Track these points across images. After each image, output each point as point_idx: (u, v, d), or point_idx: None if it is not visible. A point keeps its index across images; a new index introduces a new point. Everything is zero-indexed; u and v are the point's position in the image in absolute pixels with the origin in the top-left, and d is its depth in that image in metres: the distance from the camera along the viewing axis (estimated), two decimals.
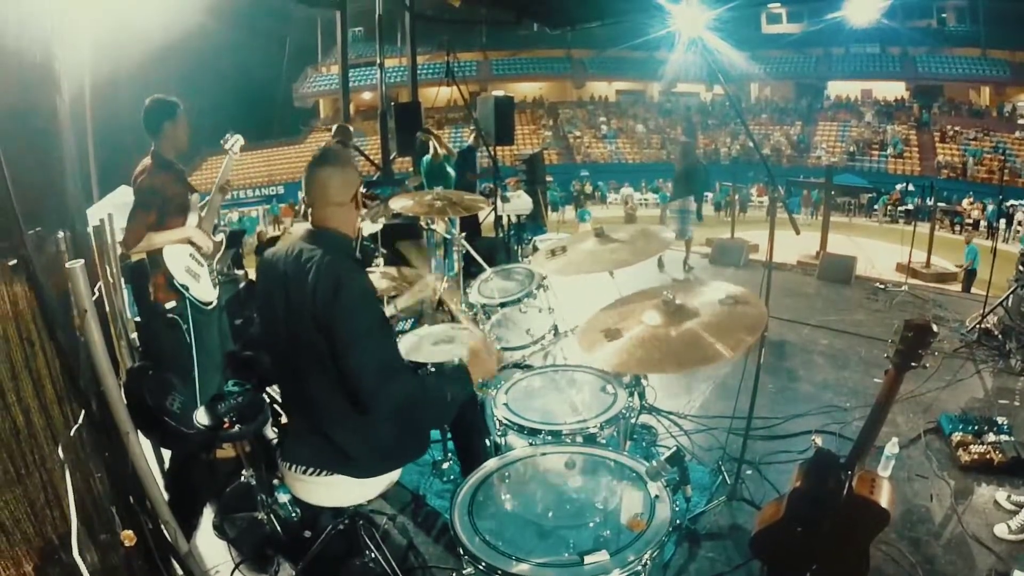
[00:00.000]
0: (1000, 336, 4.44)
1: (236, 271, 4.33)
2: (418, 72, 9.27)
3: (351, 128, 5.55)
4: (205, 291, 2.89)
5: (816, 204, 18.62)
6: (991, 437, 3.01)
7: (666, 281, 6.57)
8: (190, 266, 2.83)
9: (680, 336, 1.86)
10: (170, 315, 2.86)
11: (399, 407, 1.75)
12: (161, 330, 2.91)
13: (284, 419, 2.75)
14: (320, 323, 1.72)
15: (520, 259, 5.74)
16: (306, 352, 1.79)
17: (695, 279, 6.65)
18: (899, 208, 19.35)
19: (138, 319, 3.52)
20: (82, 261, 1.87)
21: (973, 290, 8.60)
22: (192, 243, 2.85)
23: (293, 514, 2.57)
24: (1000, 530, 2.47)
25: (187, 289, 2.77)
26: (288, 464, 1.93)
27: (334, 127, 5.60)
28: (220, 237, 3.08)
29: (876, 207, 20.38)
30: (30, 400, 1.55)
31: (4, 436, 1.44)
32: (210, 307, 2.91)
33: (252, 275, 4.29)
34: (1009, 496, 2.65)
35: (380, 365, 1.71)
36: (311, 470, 1.90)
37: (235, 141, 3.11)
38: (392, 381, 1.72)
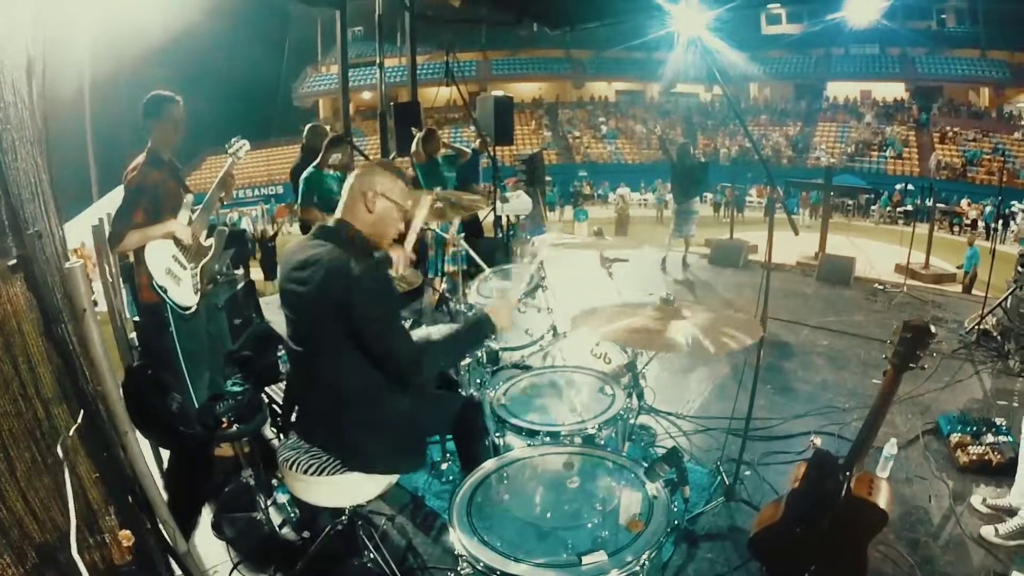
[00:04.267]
0: (999, 337, 4.44)
1: (235, 271, 4.32)
2: (418, 72, 9.24)
3: (321, 128, 5.35)
4: (185, 295, 2.81)
5: (815, 205, 18.64)
6: (989, 438, 3.01)
7: (668, 282, 6.57)
8: (171, 267, 2.76)
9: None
10: (166, 315, 2.84)
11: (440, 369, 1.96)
12: (157, 329, 2.89)
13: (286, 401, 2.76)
14: (338, 317, 1.78)
15: (520, 259, 5.74)
16: (322, 339, 1.86)
17: (692, 279, 6.68)
18: (898, 209, 19.38)
19: (137, 319, 3.52)
20: (81, 261, 1.87)
21: (972, 291, 8.61)
22: (174, 238, 2.78)
23: (292, 514, 2.57)
24: (987, 531, 2.46)
25: (165, 291, 2.71)
26: (294, 455, 1.95)
27: (306, 128, 5.30)
28: (210, 242, 3.04)
29: (874, 208, 20.40)
30: (30, 400, 1.55)
31: (4, 436, 1.44)
32: (189, 312, 2.83)
33: (252, 275, 4.29)
34: (984, 500, 2.64)
35: (411, 344, 1.85)
36: (312, 467, 1.91)
37: (240, 146, 3.08)
38: (424, 354, 1.86)
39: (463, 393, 2.64)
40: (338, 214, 1.94)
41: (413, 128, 5.84)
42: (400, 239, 2.60)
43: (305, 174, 4.35)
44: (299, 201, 4.43)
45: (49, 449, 1.56)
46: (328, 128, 5.40)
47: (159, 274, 2.70)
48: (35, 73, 1.94)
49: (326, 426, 1.96)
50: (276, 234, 12.51)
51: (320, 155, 4.38)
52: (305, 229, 4.25)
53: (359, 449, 1.91)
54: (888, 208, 20.05)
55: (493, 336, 2.10)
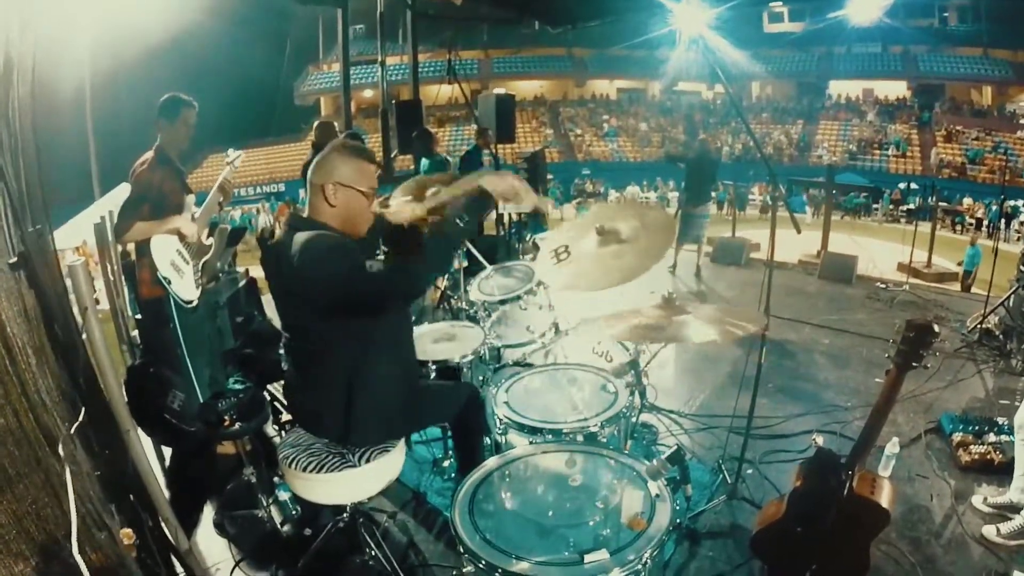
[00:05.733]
0: (1001, 336, 4.43)
1: (237, 269, 4.33)
2: (419, 70, 9.23)
3: (335, 124, 5.45)
4: (187, 289, 2.85)
5: (818, 204, 18.60)
6: (992, 437, 3.01)
7: (677, 287, 6.51)
8: (175, 260, 2.81)
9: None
10: (166, 311, 2.86)
11: (433, 269, 1.79)
12: (158, 324, 2.90)
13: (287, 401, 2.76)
14: (310, 292, 1.76)
15: (521, 257, 5.73)
16: (303, 321, 1.88)
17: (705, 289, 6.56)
18: (900, 208, 19.34)
19: (139, 316, 3.52)
20: (83, 259, 1.87)
21: (974, 290, 8.59)
22: (179, 233, 2.83)
23: (293, 512, 2.57)
24: (988, 531, 2.46)
25: (169, 283, 2.75)
26: (294, 453, 1.95)
27: (315, 124, 5.46)
28: (211, 240, 3.07)
29: (876, 207, 20.35)
30: (30, 398, 1.55)
31: (4, 434, 1.44)
32: (191, 305, 2.88)
33: (251, 272, 4.29)
34: (985, 499, 2.64)
35: (376, 278, 1.75)
36: (313, 465, 1.90)
37: (236, 156, 3.18)
38: (402, 281, 1.74)
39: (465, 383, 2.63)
40: (304, 212, 1.88)
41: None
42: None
43: None
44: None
45: (55, 446, 1.55)
46: (335, 125, 5.45)
47: (164, 266, 2.73)
48: (22, 78, 1.91)
49: (317, 407, 1.96)
50: (274, 231, 12.52)
51: None
52: None
53: (347, 423, 1.91)
54: (890, 207, 20.02)
55: (489, 206, 1.80)
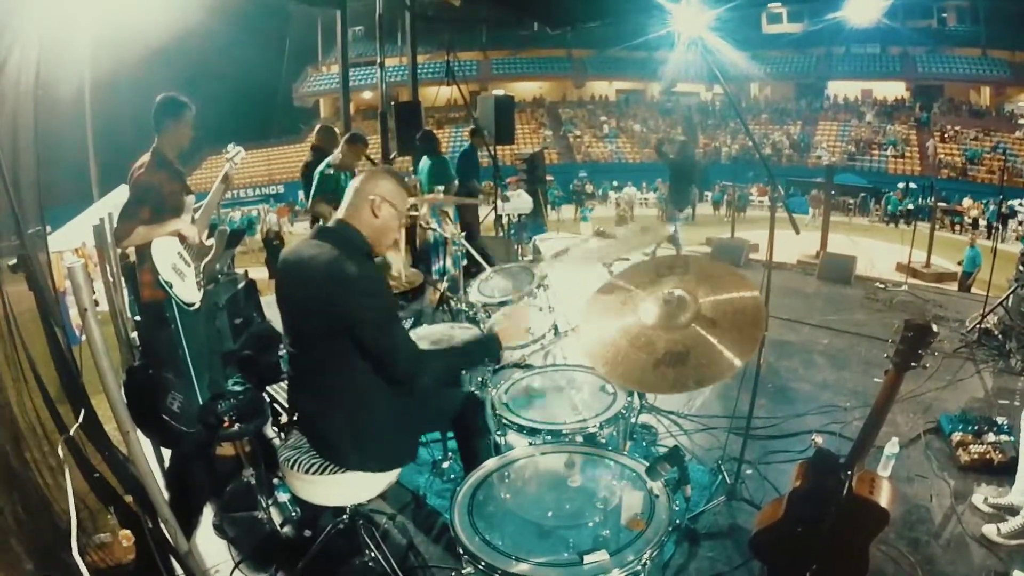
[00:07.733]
0: (1000, 336, 4.44)
1: (235, 271, 4.33)
2: (418, 71, 9.24)
3: (336, 129, 5.53)
4: (189, 291, 2.84)
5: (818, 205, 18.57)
6: (991, 437, 3.01)
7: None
8: (176, 264, 2.79)
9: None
10: (167, 314, 2.85)
11: (438, 378, 1.99)
12: (158, 327, 2.90)
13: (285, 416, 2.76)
14: (334, 317, 1.78)
15: (520, 258, 5.74)
16: (317, 340, 1.87)
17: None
18: (899, 208, 19.35)
19: (138, 318, 3.52)
20: (83, 261, 1.88)
21: (973, 290, 8.60)
22: (180, 235, 2.81)
23: (293, 513, 2.57)
24: (989, 530, 2.46)
25: (170, 286, 2.73)
26: (295, 455, 1.95)
27: (316, 128, 5.60)
28: (211, 242, 3.06)
29: (876, 207, 20.36)
30: (31, 399, 1.55)
31: (5, 435, 1.44)
32: (193, 307, 2.86)
33: (258, 274, 4.30)
34: (985, 499, 2.64)
35: (411, 349, 1.85)
36: (314, 467, 1.90)
37: (236, 152, 3.15)
38: (423, 361, 1.88)
39: (463, 389, 2.64)
40: (339, 215, 1.93)
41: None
42: (395, 242, 2.62)
43: (322, 170, 4.42)
44: (312, 195, 4.50)
45: (55, 447, 1.56)
46: (335, 130, 5.52)
47: (165, 269, 2.72)
48: (21, 81, 1.89)
49: (320, 426, 1.96)
50: (279, 233, 12.59)
51: (341, 151, 4.48)
52: (315, 223, 4.32)
53: (349, 449, 1.91)
54: (889, 207, 20.02)
55: (497, 357, 2.20)
